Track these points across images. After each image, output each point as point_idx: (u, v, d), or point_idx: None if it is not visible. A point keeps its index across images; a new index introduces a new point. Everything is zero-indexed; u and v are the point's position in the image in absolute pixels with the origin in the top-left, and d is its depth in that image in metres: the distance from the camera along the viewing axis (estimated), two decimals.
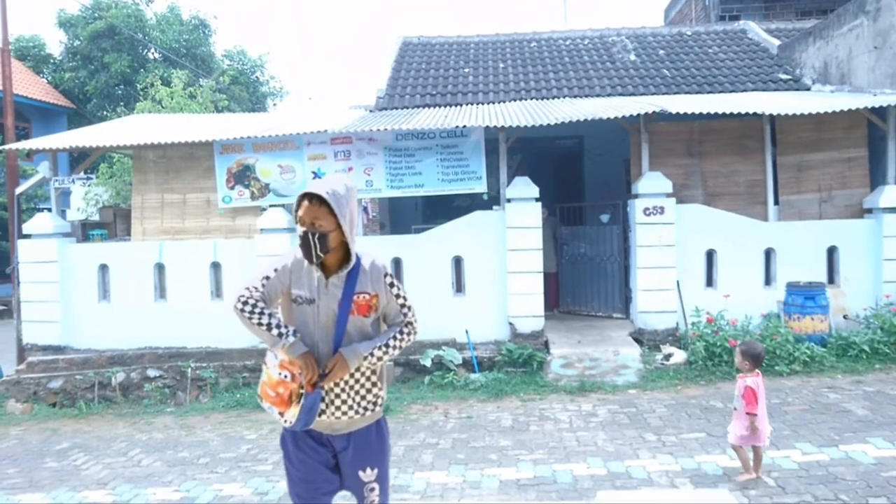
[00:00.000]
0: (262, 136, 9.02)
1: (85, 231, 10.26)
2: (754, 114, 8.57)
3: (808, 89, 10.88)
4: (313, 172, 9.11)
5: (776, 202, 9.16)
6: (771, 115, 8.83)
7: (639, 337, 8.65)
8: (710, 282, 8.89)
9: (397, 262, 8.85)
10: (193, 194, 9.44)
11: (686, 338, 8.27)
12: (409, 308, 2.92)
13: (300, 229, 2.70)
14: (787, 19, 15.64)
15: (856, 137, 9.16)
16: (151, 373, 8.53)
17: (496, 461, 5.48)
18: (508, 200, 8.73)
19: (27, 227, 9.34)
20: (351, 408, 2.83)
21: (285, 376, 2.75)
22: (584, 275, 9.99)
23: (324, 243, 2.68)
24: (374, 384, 2.89)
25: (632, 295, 9.13)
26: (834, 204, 9.16)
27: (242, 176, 9.23)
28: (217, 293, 9.15)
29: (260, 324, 2.75)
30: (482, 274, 8.75)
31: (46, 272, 9.16)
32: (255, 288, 2.80)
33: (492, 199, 9.21)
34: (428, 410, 7.10)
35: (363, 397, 2.86)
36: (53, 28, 25.06)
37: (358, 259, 2.82)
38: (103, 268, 9.26)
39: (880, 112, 8.78)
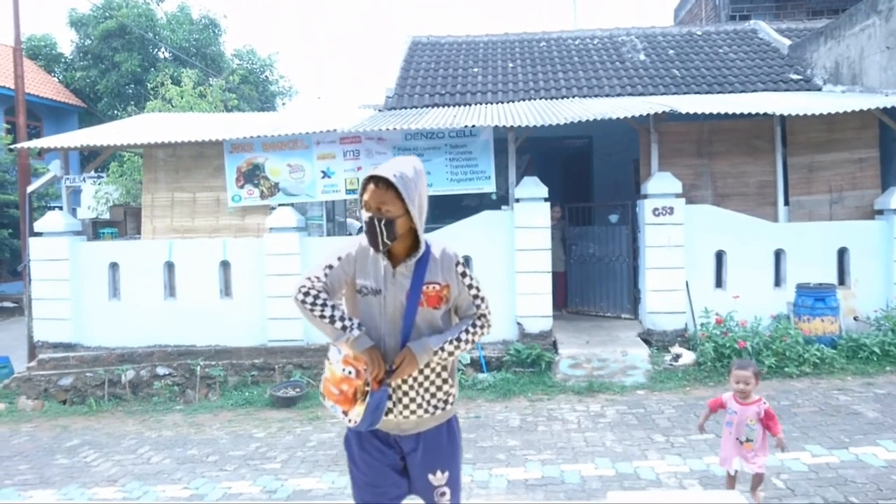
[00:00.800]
0: (272, 135, 9.05)
1: (95, 229, 10.33)
2: (765, 114, 8.53)
3: (819, 89, 10.82)
4: (322, 172, 9.14)
5: (786, 203, 9.12)
6: (781, 116, 8.79)
7: (647, 338, 8.63)
8: (719, 283, 8.86)
9: None
10: (203, 193, 9.48)
11: (695, 339, 8.25)
12: (483, 299, 2.72)
13: (365, 215, 2.53)
14: (798, 19, 15.54)
15: (867, 138, 9.10)
16: (161, 371, 8.58)
17: (504, 461, 5.48)
18: (517, 200, 8.72)
19: (38, 226, 9.40)
20: (420, 406, 2.65)
21: (349, 372, 2.57)
22: (593, 275, 9.97)
23: (391, 230, 2.51)
24: (444, 381, 2.71)
25: (640, 295, 9.10)
26: (844, 205, 9.10)
27: (252, 175, 9.27)
28: (226, 292, 9.18)
29: (322, 316, 2.57)
30: (490, 274, 8.75)
31: (57, 270, 9.22)
32: (318, 278, 2.61)
33: (500, 199, 9.20)
34: None
35: (433, 395, 2.68)
36: (65, 27, 25.25)
37: (427, 247, 2.63)
38: (113, 266, 9.31)
39: (892, 112, 8.73)
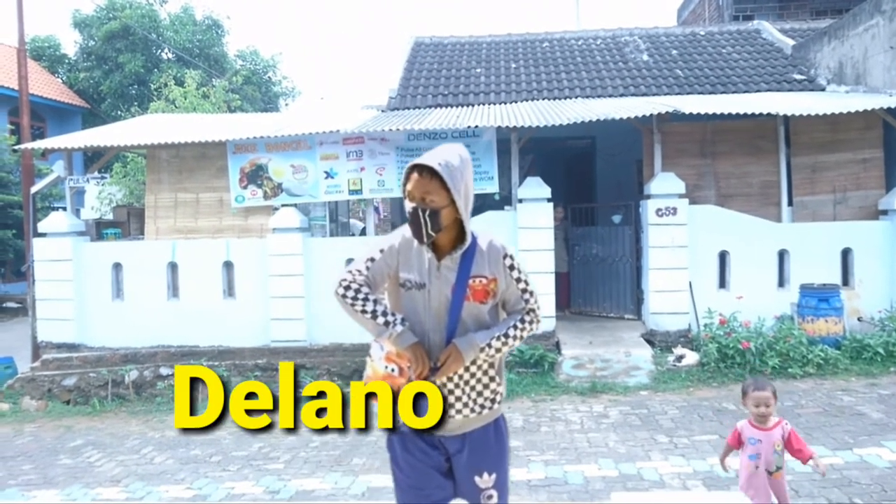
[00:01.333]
0: (275, 135, 9.05)
1: (99, 230, 10.34)
2: (768, 114, 8.52)
3: (823, 90, 10.80)
4: (325, 172, 9.14)
5: (790, 203, 9.10)
6: (785, 116, 8.76)
7: (650, 338, 8.61)
8: (722, 283, 8.84)
9: None
10: (206, 194, 9.50)
11: (698, 339, 8.23)
12: (532, 294, 2.59)
13: (409, 205, 2.43)
14: (802, 19, 15.50)
15: (871, 138, 9.07)
16: (164, 371, 8.58)
17: None
18: (520, 201, 8.72)
19: (42, 226, 9.42)
20: (466, 405, 2.54)
21: (392, 370, 2.45)
22: (596, 275, 9.96)
23: (435, 221, 2.40)
24: (491, 379, 2.59)
25: (644, 296, 9.09)
26: (848, 205, 9.08)
27: (255, 175, 9.28)
28: (229, 292, 9.19)
29: (364, 311, 2.47)
30: None
31: (61, 270, 9.24)
32: (359, 271, 2.51)
33: (503, 200, 9.20)
34: None
35: (479, 394, 2.56)
36: (69, 28, 25.34)
37: (474, 238, 2.53)
38: (117, 266, 9.33)
39: None
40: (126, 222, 10.91)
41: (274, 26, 69.24)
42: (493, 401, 2.61)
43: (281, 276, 8.77)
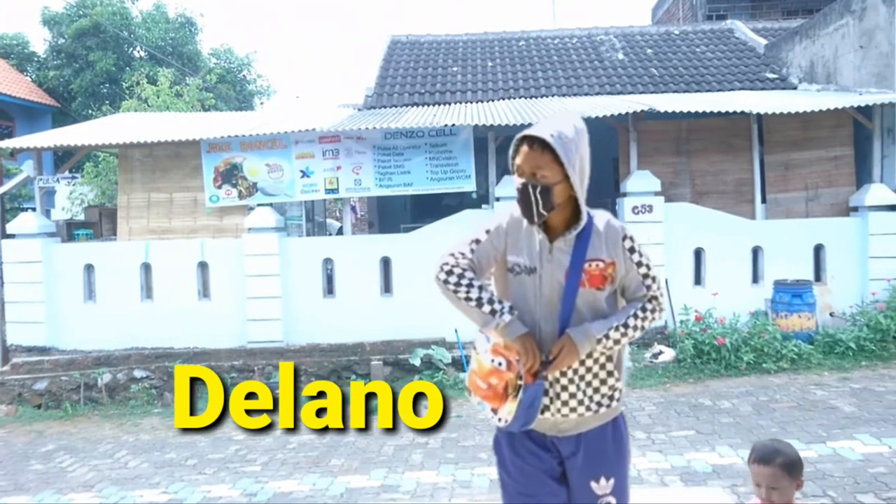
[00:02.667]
0: (250, 134, 8.96)
1: (70, 231, 10.17)
2: (742, 112, 8.62)
3: (795, 88, 10.95)
4: (301, 171, 9.07)
5: (763, 200, 9.22)
6: (758, 114, 8.88)
7: None
8: (698, 280, 8.92)
9: (386, 261, 8.83)
10: (180, 193, 9.37)
11: (674, 336, 8.30)
12: (654, 279, 2.35)
13: (518, 181, 2.21)
14: (774, 19, 15.74)
15: (842, 136, 9.22)
16: (138, 373, 8.45)
17: (486, 460, 5.46)
18: (497, 199, 8.73)
19: (11, 227, 9.23)
20: (581, 403, 2.31)
21: (500, 364, 2.26)
22: None
23: (547, 198, 2.19)
24: (609, 374, 2.37)
25: None
26: (820, 202, 9.22)
27: (230, 175, 9.17)
28: (204, 293, 9.08)
29: (468, 298, 2.24)
30: None
31: (31, 272, 9.05)
32: (463, 254, 2.29)
33: (481, 198, 9.20)
34: None
35: (596, 390, 2.34)
36: (38, 26, 24.70)
37: (590, 218, 2.31)
38: (89, 268, 9.17)
39: (866, 111, 8.85)
40: (98, 223, 10.74)
41: (248, 24, 68.65)
42: (611, 398, 2.39)
43: (257, 277, 8.68)
